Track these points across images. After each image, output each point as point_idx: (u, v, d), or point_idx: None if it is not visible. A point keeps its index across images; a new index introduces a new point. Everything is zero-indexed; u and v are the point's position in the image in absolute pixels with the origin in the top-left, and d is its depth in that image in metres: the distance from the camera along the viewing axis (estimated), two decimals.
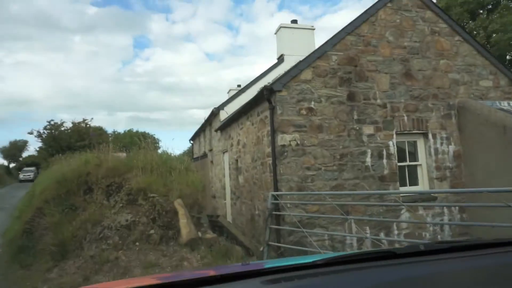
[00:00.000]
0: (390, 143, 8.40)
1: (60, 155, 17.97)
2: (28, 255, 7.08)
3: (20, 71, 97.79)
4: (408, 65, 8.80)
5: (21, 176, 40.32)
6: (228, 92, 25.30)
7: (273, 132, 7.90)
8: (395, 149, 8.44)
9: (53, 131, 25.19)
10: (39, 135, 25.77)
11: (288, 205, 7.57)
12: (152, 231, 5.95)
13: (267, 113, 8.46)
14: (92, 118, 27.47)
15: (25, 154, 53.34)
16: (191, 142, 26.30)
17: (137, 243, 5.85)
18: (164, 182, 6.81)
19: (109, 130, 27.26)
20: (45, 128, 25.98)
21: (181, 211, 6.23)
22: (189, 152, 29.16)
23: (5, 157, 54.19)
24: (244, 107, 10.28)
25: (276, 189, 7.77)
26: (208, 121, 17.65)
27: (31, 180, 32.02)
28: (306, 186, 7.76)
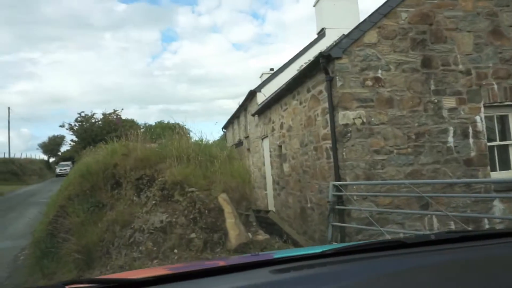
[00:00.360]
0: (477, 118, 6.75)
1: (91, 147, 17.37)
2: (52, 260, 6.11)
3: (56, 70, 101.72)
4: (496, 20, 7.04)
5: (57, 170, 39.10)
6: (260, 77, 23.87)
7: (332, 109, 6.46)
8: (484, 126, 6.79)
9: (84, 123, 24.79)
10: (71, 128, 25.46)
11: (355, 198, 6.16)
12: (193, 235, 4.73)
13: (322, 87, 7.02)
14: (122, 109, 27.02)
15: (63, 149, 54.60)
16: (224, 130, 25.21)
17: (175, 250, 4.65)
18: (204, 173, 5.58)
19: (141, 123, 26.79)
20: (76, 120, 25.62)
21: (227, 209, 4.99)
22: (222, 141, 28.08)
23: (44, 152, 55.79)
24: (289, 84, 8.87)
25: (338, 178, 6.37)
26: (243, 106, 16.37)
27: (68, 174, 31.47)
28: (375, 174, 6.31)
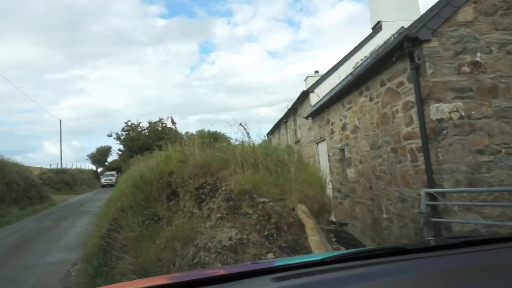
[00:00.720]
0: None
1: (138, 156, 17.23)
2: (105, 280, 5.50)
3: (102, 85, 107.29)
4: None
5: (102, 180, 38.92)
6: (305, 80, 22.94)
7: (421, 103, 5.42)
8: None
9: (130, 132, 24.98)
10: (118, 137, 25.73)
11: (456, 208, 5.05)
12: (270, 255, 3.88)
13: (403, 77, 6.00)
14: (168, 117, 26.93)
15: (110, 159, 56.43)
16: (269, 136, 24.44)
17: None
18: (275, 180, 4.75)
19: (182, 132, 26.64)
20: (123, 129, 25.80)
21: (309, 223, 4.11)
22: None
23: (93, 163, 57.90)
24: (354, 79, 7.88)
25: (432, 184, 5.29)
26: (292, 109, 15.48)
27: (113, 185, 30.05)
28: (479, 179, 5.17)
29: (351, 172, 8.81)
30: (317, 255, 1.65)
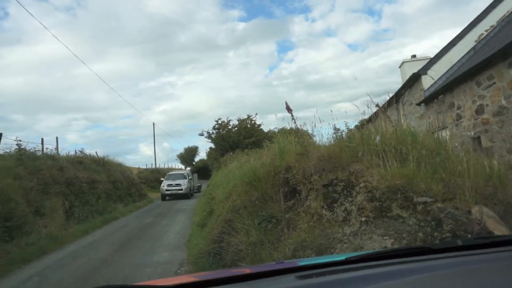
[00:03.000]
0: None
1: (230, 153, 17.10)
2: None
3: (189, 90, 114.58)
4: None
5: (164, 188, 23.65)
6: (400, 67, 20.86)
7: None
8: None
9: (220, 130, 25.26)
10: (209, 136, 26.22)
11: None
12: None
13: None
14: (256, 114, 26.55)
15: (196, 159, 59.26)
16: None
17: None
18: (432, 174, 3.64)
19: (265, 130, 26.25)
20: (213, 128, 25.94)
21: (500, 232, 2.95)
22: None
23: (182, 162, 61.37)
24: (503, 47, 6.27)
25: None
26: (395, 97, 13.82)
27: (184, 195, 23.05)
28: None
29: (495, 165, 7.16)
30: (341, 255, 1.59)
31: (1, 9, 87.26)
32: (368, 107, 5.19)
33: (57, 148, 17.81)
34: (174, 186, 23.42)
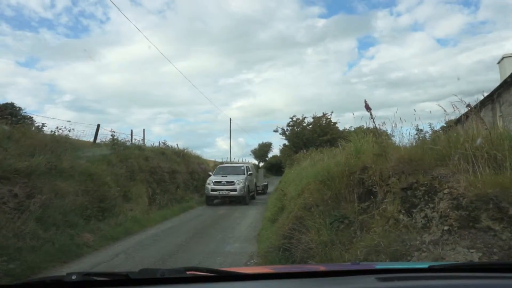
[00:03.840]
0: None
1: (304, 151, 17.01)
2: None
3: (266, 87, 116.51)
4: None
5: (210, 187, 16.56)
6: (498, 63, 18.85)
7: None
8: None
9: (295, 127, 25.29)
10: (283, 132, 26.40)
11: None
12: None
13: None
14: (332, 112, 26.04)
15: (270, 155, 60.18)
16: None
17: None
18: None
19: (341, 129, 25.45)
20: (288, 125, 26.05)
21: None
22: None
23: (255, 158, 62.82)
24: None
25: None
26: (495, 95, 12.47)
27: (238, 198, 16.44)
28: None
29: None
30: (424, 263, 1.56)
31: (104, 14, 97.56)
32: (455, 108, 4.76)
33: (143, 139, 19.37)
34: (223, 185, 16.33)
